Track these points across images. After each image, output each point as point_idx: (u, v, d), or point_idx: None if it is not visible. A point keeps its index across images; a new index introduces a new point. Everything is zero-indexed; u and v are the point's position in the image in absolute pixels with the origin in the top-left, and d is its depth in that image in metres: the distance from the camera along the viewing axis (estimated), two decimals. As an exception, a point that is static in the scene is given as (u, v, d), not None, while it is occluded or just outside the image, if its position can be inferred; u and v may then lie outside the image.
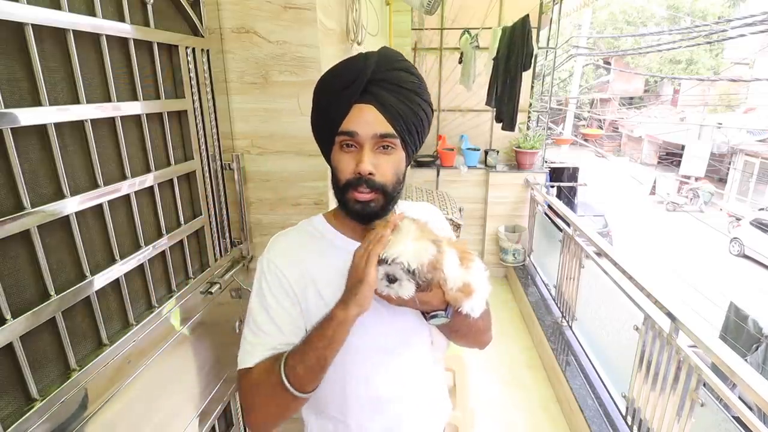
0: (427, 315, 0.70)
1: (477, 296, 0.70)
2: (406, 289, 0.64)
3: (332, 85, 0.71)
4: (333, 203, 1.37)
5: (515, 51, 2.87)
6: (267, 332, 0.72)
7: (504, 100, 3.05)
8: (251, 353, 0.71)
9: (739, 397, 1.31)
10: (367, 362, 0.76)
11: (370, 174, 0.68)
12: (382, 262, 0.63)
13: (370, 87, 0.68)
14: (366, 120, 0.68)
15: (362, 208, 0.70)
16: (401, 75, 0.70)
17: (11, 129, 0.64)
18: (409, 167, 0.83)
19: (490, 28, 3.34)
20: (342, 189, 0.71)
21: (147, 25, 0.96)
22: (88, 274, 0.80)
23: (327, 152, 0.75)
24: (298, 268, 0.74)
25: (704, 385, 1.42)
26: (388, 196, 0.71)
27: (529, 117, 4.06)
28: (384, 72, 0.69)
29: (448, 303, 0.69)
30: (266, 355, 0.70)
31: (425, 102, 0.73)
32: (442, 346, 0.84)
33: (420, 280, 0.64)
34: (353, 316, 0.64)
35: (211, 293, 1.17)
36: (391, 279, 0.64)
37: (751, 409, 1.26)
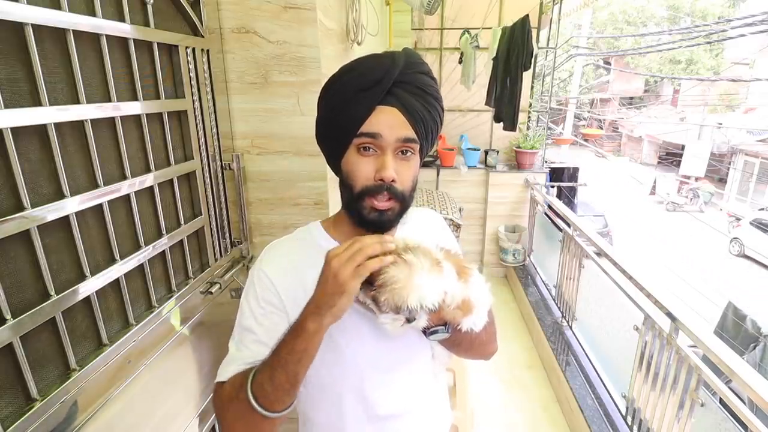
0: (426, 331, 0.66)
1: (477, 312, 0.66)
2: (422, 321, 0.60)
3: (353, 83, 0.65)
4: (333, 204, 1.38)
5: (515, 51, 2.87)
6: (249, 346, 0.68)
7: (504, 100, 3.05)
8: (228, 367, 0.68)
9: (735, 393, 1.31)
10: (365, 379, 0.72)
11: (392, 181, 0.65)
12: (402, 310, 0.57)
13: (394, 89, 0.65)
14: (390, 123, 0.64)
15: (379, 217, 0.66)
16: (424, 79, 0.68)
17: (11, 129, 0.64)
18: None
19: (490, 28, 3.34)
20: (357, 196, 0.66)
21: (147, 25, 0.96)
22: (88, 274, 0.80)
23: (336, 156, 0.69)
24: (290, 279, 0.70)
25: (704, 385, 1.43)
26: (405, 204, 0.68)
27: (529, 117, 4.05)
28: (409, 74, 0.65)
29: None
30: (242, 369, 0.66)
31: (441, 107, 0.71)
32: (444, 358, 0.80)
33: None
34: (326, 327, 0.58)
35: (211, 293, 1.17)
36: (411, 320, 0.59)
37: (744, 402, 1.26)
